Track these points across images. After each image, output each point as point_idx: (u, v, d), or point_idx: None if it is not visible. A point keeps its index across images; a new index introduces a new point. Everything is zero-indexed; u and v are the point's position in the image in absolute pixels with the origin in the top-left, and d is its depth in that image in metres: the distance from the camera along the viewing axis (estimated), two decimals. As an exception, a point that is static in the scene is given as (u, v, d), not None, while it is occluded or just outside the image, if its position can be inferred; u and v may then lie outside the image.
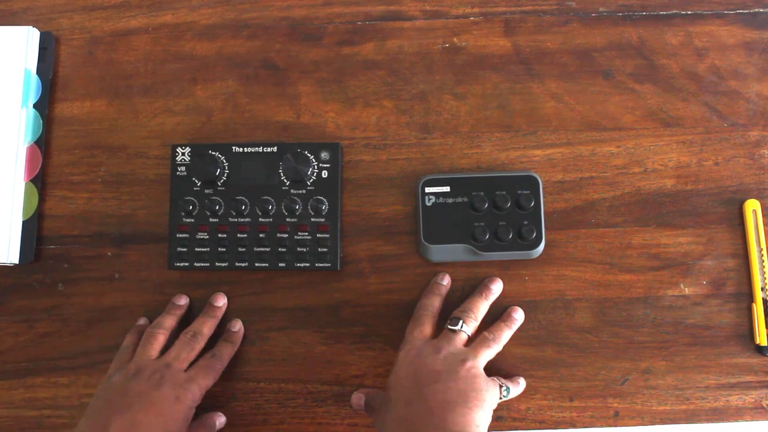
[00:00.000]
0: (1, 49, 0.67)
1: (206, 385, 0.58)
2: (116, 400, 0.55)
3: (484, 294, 0.62)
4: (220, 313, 0.63)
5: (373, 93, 0.67)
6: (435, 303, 0.61)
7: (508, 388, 0.59)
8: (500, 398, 0.58)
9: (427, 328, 0.60)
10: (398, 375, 0.56)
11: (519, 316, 0.62)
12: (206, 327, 0.61)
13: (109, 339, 0.64)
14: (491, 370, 0.60)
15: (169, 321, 0.61)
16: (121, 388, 0.56)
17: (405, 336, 0.60)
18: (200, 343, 0.60)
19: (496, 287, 0.63)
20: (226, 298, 0.64)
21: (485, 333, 0.60)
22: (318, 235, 0.64)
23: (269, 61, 0.68)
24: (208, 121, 0.67)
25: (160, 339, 0.60)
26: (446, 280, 0.63)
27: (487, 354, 0.58)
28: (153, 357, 0.59)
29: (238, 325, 0.63)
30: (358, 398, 0.60)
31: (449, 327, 0.59)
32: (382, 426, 0.55)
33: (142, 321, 0.64)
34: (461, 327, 0.59)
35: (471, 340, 0.59)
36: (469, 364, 0.56)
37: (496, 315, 0.63)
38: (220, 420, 0.62)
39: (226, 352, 0.61)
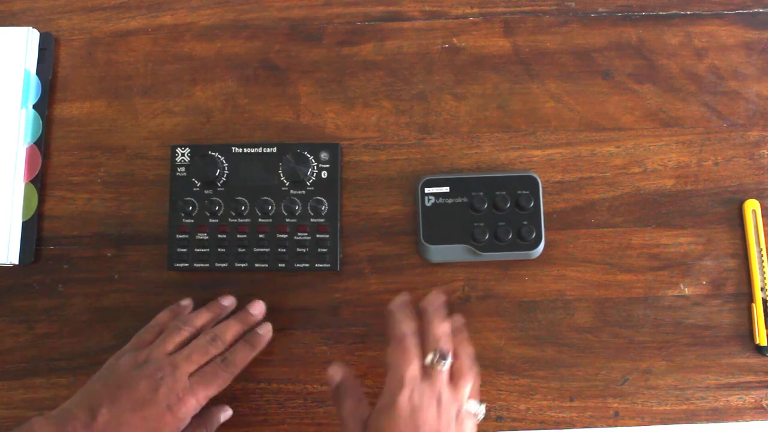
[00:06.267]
0: (0, 50, 0.67)
1: (206, 396, 0.55)
2: (111, 387, 0.53)
3: (439, 313, 0.57)
4: (252, 322, 0.60)
5: (373, 93, 0.67)
6: (413, 325, 0.56)
7: (484, 409, 0.56)
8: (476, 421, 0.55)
9: (417, 362, 0.54)
10: (398, 426, 0.51)
11: (458, 318, 0.60)
12: (231, 333, 0.58)
13: (108, 340, 0.64)
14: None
15: (202, 320, 0.59)
16: (121, 375, 0.54)
17: (395, 370, 0.53)
18: (218, 349, 0.56)
19: (441, 300, 0.58)
20: (264, 307, 0.61)
21: (457, 364, 0.55)
22: (318, 236, 0.64)
23: (269, 61, 0.68)
24: (208, 121, 0.67)
25: (183, 335, 0.57)
26: (407, 298, 0.59)
27: (469, 386, 0.55)
28: (168, 351, 0.56)
29: (266, 329, 0.60)
30: (334, 372, 0.57)
31: (438, 367, 0.53)
32: None
33: (184, 302, 0.62)
34: (448, 363, 0.54)
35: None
36: (460, 418, 0.53)
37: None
38: (226, 413, 0.60)
39: (240, 356, 0.57)
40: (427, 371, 0.54)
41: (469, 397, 0.55)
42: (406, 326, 0.56)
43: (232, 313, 0.62)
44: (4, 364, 0.64)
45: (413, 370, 0.53)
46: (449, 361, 0.54)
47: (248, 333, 0.60)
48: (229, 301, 0.62)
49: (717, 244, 0.64)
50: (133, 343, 0.58)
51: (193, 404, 0.54)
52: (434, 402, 0.52)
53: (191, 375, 0.55)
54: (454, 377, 0.55)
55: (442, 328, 0.56)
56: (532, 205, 0.63)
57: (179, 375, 0.54)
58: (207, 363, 0.56)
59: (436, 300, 0.58)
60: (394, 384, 0.53)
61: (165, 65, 0.69)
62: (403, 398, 0.52)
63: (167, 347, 0.56)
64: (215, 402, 0.59)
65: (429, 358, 0.54)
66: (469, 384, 0.55)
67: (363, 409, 0.55)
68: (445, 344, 0.55)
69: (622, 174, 0.66)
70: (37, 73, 0.68)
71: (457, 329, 0.59)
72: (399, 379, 0.53)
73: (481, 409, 0.56)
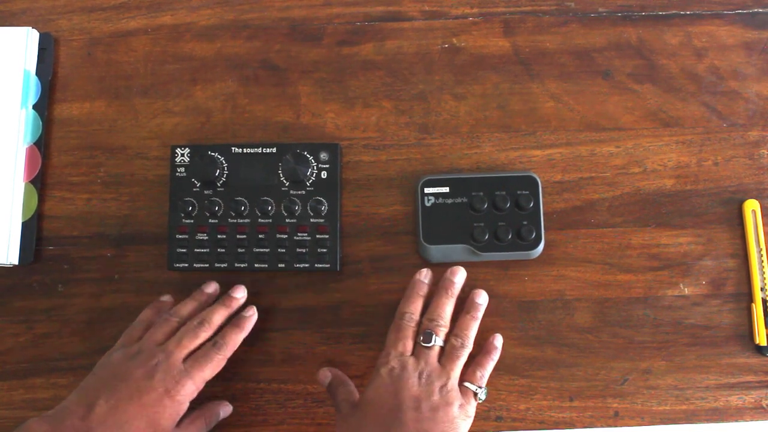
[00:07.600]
0: (0, 50, 0.67)
1: (202, 378, 0.55)
2: (108, 379, 0.54)
3: (448, 291, 0.59)
4: (236, 305, 0.61)
5: (373, 93, 0.67)
6: (418, 308, 0.59)
7: (485, 391, 0.58)
8: (477, 402, 0.57)
9: (410, 342, 0.58)
10: (379, 392, 0.55)
11: (483, 300, 0.61)
12: (217, 315, 0.58)
13: (108, 340, 0.64)
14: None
15: (189, 309, 0.60)
16: (115, 367, 0.55)
17: (386, 347, 0.58)
18: (206, 332, 0.57)
19: (459, 278, 0.60)
20: (246, 291, 0.62)
21: (453, 341, 0.58)
22: (317, 236, 0.64)
23: (269, 61, 0.68)
24: (208, 121, 0.67)
25: (172, 325, 0.58)
26: (429, 277, 0.61)
27: (460, 364, 0.57)
28: (158, 342, 0.56)
29: (251, 311, 0.61)
30: (324, 376, 0.60)
31: (423, 345, 0.57)
32: None
33: (164, 297, 0.63)
34: (434, 342, 0.57)
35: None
36: (445, 391, 0.55)
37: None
38: (225, 409, 0.61)
39: (231, 339, 0.58)
40: (418, 348, 0.57)
41: (472, 379, 0.57)
42: (409, 305, 0.59)
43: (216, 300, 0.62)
44: (4, 364, 0.65)
45: (401, 346, 0.57)
46: (436, 340, 0.57)
47: (235, 317, 0.60)
48: (212, 288, 0.63)
49: (717, 244, 0.64)
50: (122, 341, 0.59)
51: (190, 387, 0.55)
52: (416, 374, 0.55)
53: (185, 360, 0.56)
54: (446, 355, 0.57)
55: (441, 308, 0.59)
56: (531, 205, 0.63)
57: (173, 360, 0.55)
58: (199, 347, 0.57)
59: (452, 276, 0.60)
60: (381, 358, 0.57)
61: (165, 65, 0.69)
62: (386, 369, 0.56)
63: (157, 338, 0.57)
64: (215, 398, 0.61)
65: (420, 337, 0.58)
66: (459, 362, 0.57)
67: (354, 394, 0.59)
68: (436, 325, 0.58)
69: (622, 174, 0.66)
70: (37, 74, 0.68)
71: (472, 307, 0.60)
72: (386, 353, 0.57)
73: (479, 389, 0.57)
